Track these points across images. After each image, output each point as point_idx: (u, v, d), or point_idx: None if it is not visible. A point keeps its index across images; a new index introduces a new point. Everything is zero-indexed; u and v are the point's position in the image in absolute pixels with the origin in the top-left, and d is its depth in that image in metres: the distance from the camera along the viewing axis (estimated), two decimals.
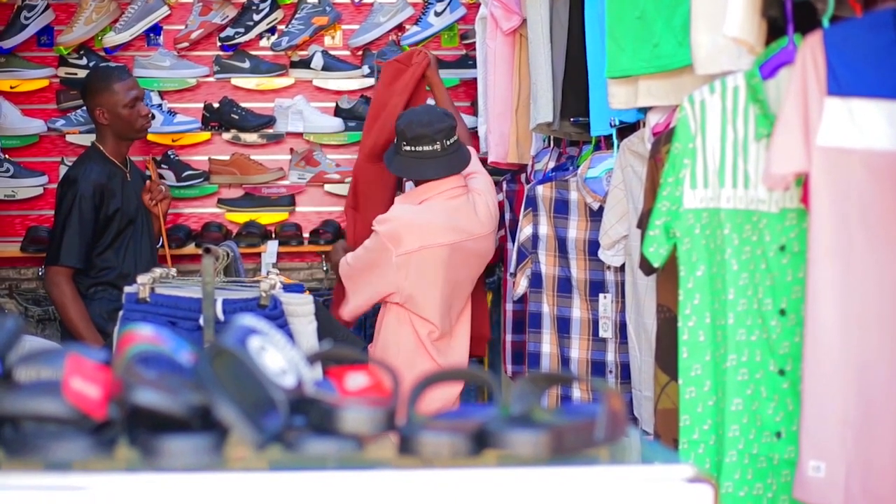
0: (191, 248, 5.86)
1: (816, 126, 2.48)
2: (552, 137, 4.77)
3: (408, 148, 4.30)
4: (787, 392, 2.69)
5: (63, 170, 5.79)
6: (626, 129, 3.82)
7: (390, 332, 4.37)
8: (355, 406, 1.60)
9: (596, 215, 4.08)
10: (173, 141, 6.06)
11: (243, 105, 6.09)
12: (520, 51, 4.88)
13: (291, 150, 6.14)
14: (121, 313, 3.38)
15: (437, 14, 6.10)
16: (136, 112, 4.90)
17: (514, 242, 4.59)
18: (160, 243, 5.12)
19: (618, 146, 3.78)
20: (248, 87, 6.14)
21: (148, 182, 5.05)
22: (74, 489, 1.47)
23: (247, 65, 6.10)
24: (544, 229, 4.27)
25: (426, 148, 4.30)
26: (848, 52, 2.47)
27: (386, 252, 4.25)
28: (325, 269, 6.13)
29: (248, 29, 6.08)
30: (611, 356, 4.17)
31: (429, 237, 4.27)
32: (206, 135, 6.11)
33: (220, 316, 3.19)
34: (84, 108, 5.88)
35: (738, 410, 2.73)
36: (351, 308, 4.41)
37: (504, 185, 5.27)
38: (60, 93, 6.04)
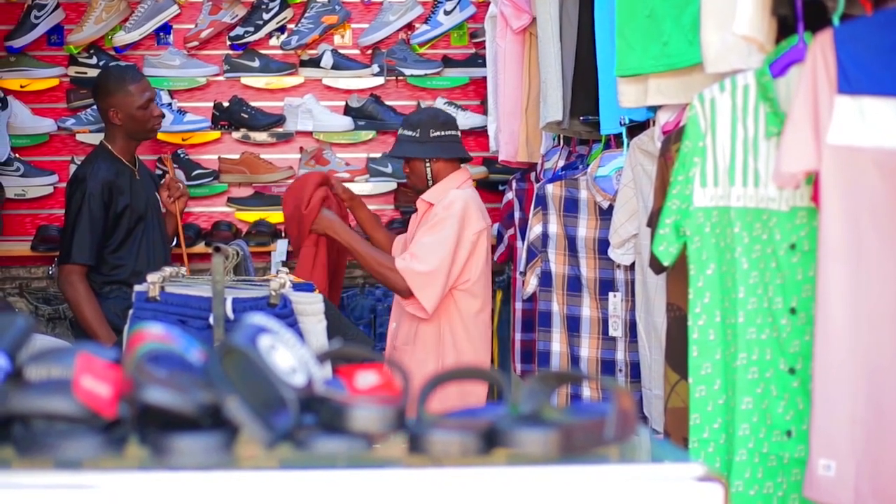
0: (201, 247, 5.86)
1: (827, 124, 2.48)
2: (562, 136, 4.77)
3: (438, 133, 4.53)
4: (798, 391, 2.69)
5: (73, 169, 5.80)
6: (636, 128, 3.82)
7: (443, 321, 4.50)
8: (365, 404, 1.60)
9: (606, 214, 4.07)
10: (183, 140, 6.06)
11: (253, 104, 6.10)
12: (530, 49, 4.88)
13: (301, 148, 6.14)
14: (131, 312, 3.39)
15: (447, 13, 6.10)
16: (149, 113, 4.92)
17: (523, 241, 4.59)
18: (175, 242, 5.13)
19: (628, 145, 3.78)
20: (257, 86, 6.14)
21: (167, 178, 5.06)
22: (85, 488, 1.48)
23: (256, 64, 6.10)
24: (554, 228, 4.27)
25: (455, 133, 4.61)
26: (858, 50, 2.46)
27: (462, 231, 4.43)
28: None
29: (258, 28, 6.08)
30: (621, 355, 4.17)
31: (483, 219, 4.54)
32: (215, 134, 6.12)
33: (230, 315, 3.19)
34: (94, 107, 5.90)
35: (749, 409, 2.73)
36: (434, 301, 4.41)
37: (514, 184, 5.27)
38: (70, 92, 6.05)
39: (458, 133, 4.62)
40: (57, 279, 4.89)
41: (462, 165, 4.66)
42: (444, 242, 4.39)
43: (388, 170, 6.09)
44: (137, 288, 3.38)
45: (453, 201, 4.45)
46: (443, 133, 4.55)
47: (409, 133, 4.55)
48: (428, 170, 4.55)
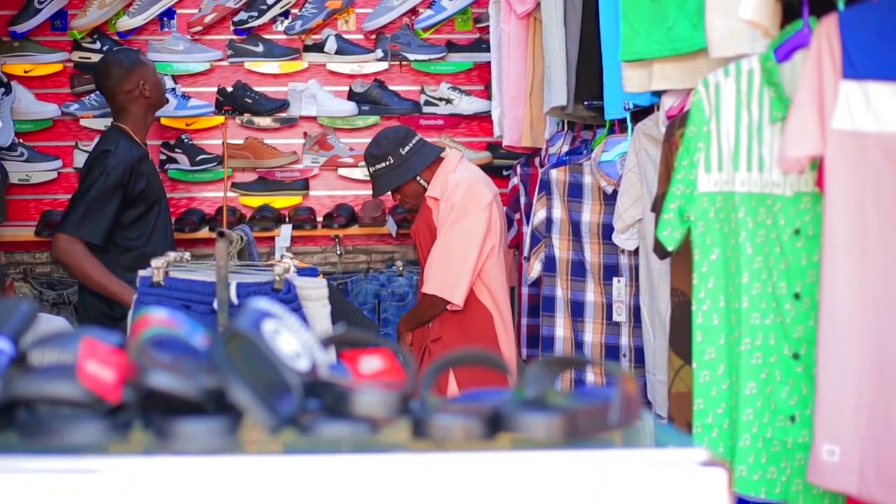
0: (205, 232, 5.87)
1: (832, 109, 2.47)
2: (566, 121, 4.76)
3: (406, 147, 4.60)
4: (802, 376, 2.69)
5: (77, 154, 5.80)
6: (641, 113, 3.81)
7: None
8: (369, 389, 1.60)
9: (610, 199, 4.07)
10: (187, 125, 6.07)
11: (257, 89, 6.10)
12: (534, 34, 4.87)
13: (305, 133, 6.14)
14: (135, 297, 3.39)
15: None
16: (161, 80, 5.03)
17: (528, 226, 4.59)
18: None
19: (632, 130, 3.78)
20: (261, 71, 6.14)
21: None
22: (88, 472, 1.48)
23: (260, 49, 6.10)
24: (558, 213, 4.27)
25: (415, 136, 4.71)
26: (864, 35, 2.46)
27: (473, 213, 4.51)
28: (338, 252, 6.14)
29: (262, 13, 6.08)
30: (625, 340, 4.17)
31: (490, 189, 4.63)
32: (219, 119, 6.12)
33: (234, 299, 3.19)
34: (98, 92, 5.89)
35: (752, 394, 2.73)
36: (462, 291, 4.51)
37: (518, 169, 5.26)
38: (74, 77, 6.05)
39: (417, 133, 4.71)
40: (51, 246, 4.73)
41: (442, 154, 4.72)
42: (449, 238, 4.50)
43: None
44: (141, 273, 3.38)
45: (455, 185, 4.54)
46: (410, 144, 4.62)
47: (383, 165, 4.59)
48: (421, 182, 4.63)
